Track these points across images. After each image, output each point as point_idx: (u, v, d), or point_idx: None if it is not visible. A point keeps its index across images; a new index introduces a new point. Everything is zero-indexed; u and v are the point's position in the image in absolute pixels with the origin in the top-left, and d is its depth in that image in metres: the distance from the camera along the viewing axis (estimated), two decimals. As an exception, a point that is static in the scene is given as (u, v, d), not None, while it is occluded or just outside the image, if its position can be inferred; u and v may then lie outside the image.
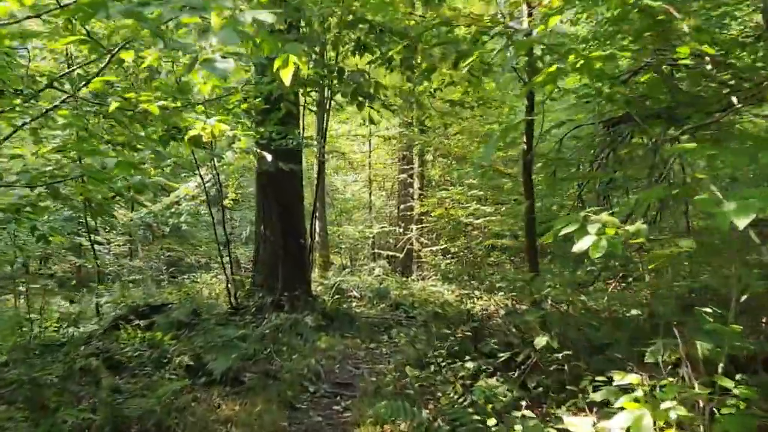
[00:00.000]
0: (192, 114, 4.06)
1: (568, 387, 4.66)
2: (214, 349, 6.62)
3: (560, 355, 4.93)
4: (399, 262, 16.40)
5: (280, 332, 8.40)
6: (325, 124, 9.69)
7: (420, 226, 16.82)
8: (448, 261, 16.18)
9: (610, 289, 12.20)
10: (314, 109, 14.16)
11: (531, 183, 6.15)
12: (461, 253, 15.80)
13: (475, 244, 16.04)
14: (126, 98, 3.97)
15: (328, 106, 8.59)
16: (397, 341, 9.59)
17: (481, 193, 15.05)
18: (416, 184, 17.46)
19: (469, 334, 6.39)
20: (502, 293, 8.47)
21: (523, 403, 5.29)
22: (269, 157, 4.15)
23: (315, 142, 9.36)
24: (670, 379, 3.29)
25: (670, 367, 3.57)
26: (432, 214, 16.24)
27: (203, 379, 6.23)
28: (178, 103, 5.20)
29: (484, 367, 5.74)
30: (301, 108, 9.87)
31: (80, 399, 5.66)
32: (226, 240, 9.76)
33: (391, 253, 16.27)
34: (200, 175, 9.30)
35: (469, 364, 5.76)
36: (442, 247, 16.08)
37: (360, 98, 6.36)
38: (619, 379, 3.23)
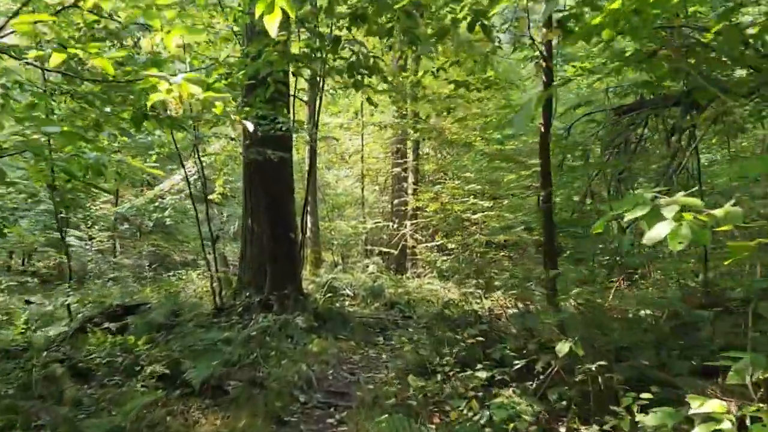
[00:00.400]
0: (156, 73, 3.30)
1: (611, 408, 3.94)
2: (194, 355, 5.87)
3: (593, 366, 4.21)
4: (393, 259, 15.67)
5: (268, 335, 7.66)
6: (317, 105, 8.90)
7: (415, 221, 16.09)
8: (444, 258, 15.48)
9: (614, 288, 11.53)
10: (305, 99, 13.42)
11: (549, 169, 5.43)
12: (459, 250, 15.09)
13: (474, 240, 15.34)
14: (65, 47, 3.20)
15: (321, 84, 7.83)
16: (395, 343, 8.88)
17: (479, 187, 14.36)
18: (411, 179, 16.72)
19: (481, 339, 5.66)
20: (514, 292, 7.75)
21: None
22: (250, 126, 3.38)
23: (306, 128, 8.57)
24: (761, 405, 2.57)
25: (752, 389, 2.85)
26: (427, 209, 15.54)
27: (180, 390, 5.47)
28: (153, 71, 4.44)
29: (498, 377, 5.01)
30: (292, 92, 9.12)
31: (38, 414, 4.89)
32: (211, 235, 8.99)
33: (385, 250, 15.52)
34: (182, 165, 8.53)
35: (481, 374, 5.03)
36: (438, 243, 15.36)
37: (357, 75, 5.63)
38: (698, 405, 2.50)
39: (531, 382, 5.09)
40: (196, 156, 8.67)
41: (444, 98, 7.40)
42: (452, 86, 6.87)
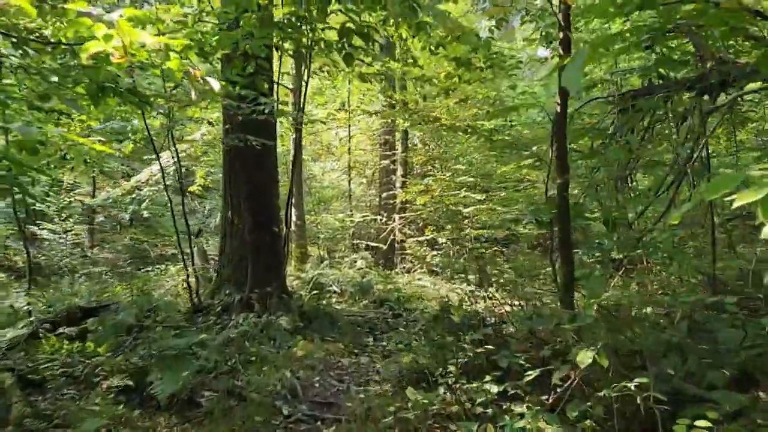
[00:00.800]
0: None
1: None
2: (163, 363, 5.12)
3: (632, 384, 3.53)
4: (381, 254, 14.97)
5: (248, 337, 6.93)
6: (303, 88, 8.13)
7: (404, 215, 15.39)
8: (435, 253, 14.80)
9: (612, 283, 10.86)
10: (290, 86, 12.64)
11: (566, 153, 4.74)
12: (449, 244, 14.42)
13: (465, 235, 14.66)
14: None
15: (308, 58, 7.06)
16: (387, 344, 8.19)
17: (471, 179, 13.69)
18: (399, 171, 16.02)
19: (492, 348, 4.96)
20: (519, 289, 7.07)
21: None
22: (215, 85, 2.64)
23: (291, 113, 7.79)
24: None
25: None
26: (416, 203, 14.85)
27: (145, 405, 4.73)
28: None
29: (511, 391, 4.32)
30: (276, 79, 8.36)
31: (-25, 436, 4.15)
32: (187, 228, 8.22)
33: (373, 244, 14.81)
34: (156, 153, 7.74)
35: (491, 386, 4.34)
36: (428, 237, 14.68)
37: (348, 46, 4.90)
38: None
39: (546, 396, 4.41)
40: (171, 143, 7.88)
41: (443, 78, 6.70)
42: (451, 66, 6.15)
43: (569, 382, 4.28)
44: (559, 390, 4.33)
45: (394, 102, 14.19)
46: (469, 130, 6.01)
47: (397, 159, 15.97)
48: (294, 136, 8.45)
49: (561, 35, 4.57)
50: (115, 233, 19.00)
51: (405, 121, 13.54)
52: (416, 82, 7.26)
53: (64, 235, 14.34)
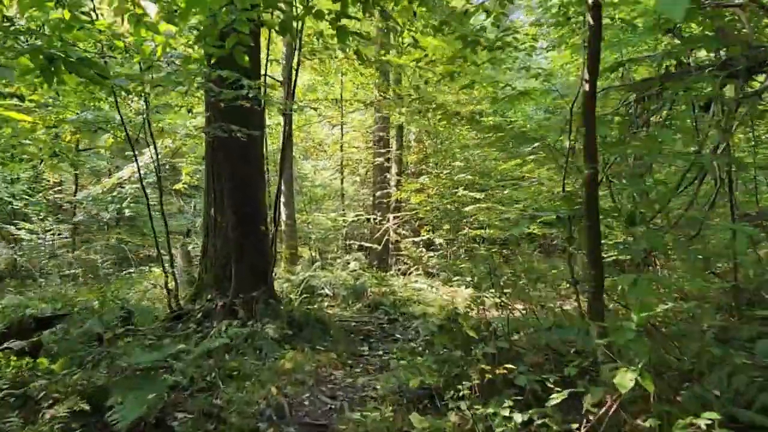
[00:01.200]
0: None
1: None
2: (127, 382, 4.36)
3: (702, 422, 2.83)
4: (375, 255, 14.22)
5: (230, 348, 6.18)
6: (293, 72, 7.39)
7: (398, 214, 14.67)
8: (431, 254, 14.09)
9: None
10: (280, 78, 11.90)
11: (594, 139, 4.04)
12: (449, 244, 13.72)
13: (464, 234, 13.95)
14: None
15: (299, 30, 6.31)
16: (382, 353, 7.48)
17: (470, 177, 13.01)
18: (394, 169, 15.30)
19: (510, 367, 4.23)
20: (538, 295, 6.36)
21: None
22: (151, 7, 1.89)
23: (280, 101, 7.03)
24: None
25: None
26: (412, 201, 14.14)
27: (104, 433, 3.98)
28: None
29: (538, 420, 3.60)
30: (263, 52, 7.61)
31: None
32: (165, 228, 7.46)
33: (367, 245, 14.07)
34: (131, 144, 6.98)
35: (514, 413, 3.62)
36: (424, 238, 13.97)
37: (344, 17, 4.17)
38: None
39: (577, 425, 3.69)
40: (148, 134, 7.11)
41: (447, 59, 5.98)
42: (455, 45, 5.44)
43: (605, 408, 3.57)
44: (592, 418, 3.62)
45: (388, 96, 13.49)
46: (476, 118, 5.34)
47: (392, 156, 15.25)
48: (283, 126, 7.70)
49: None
50: (99, 233, 18.16)
51: (400, 115, 12.84)
52: (416, 66, 6.53)
53: (43, 236, 13.53)
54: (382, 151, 15.41)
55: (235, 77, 5.47)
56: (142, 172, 12.53)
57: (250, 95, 5.87)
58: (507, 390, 4.35)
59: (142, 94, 6.05)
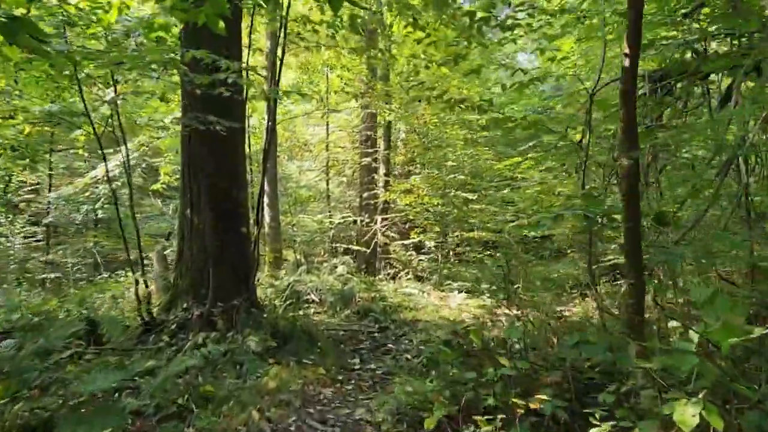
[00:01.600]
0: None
1: None
2: (78, 414, 3.61)
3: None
4: (362, 258, 13.48)
5: (206, 365, 5.44)
6: (280, 41, 6.64)
7: (387, 216, 13.96)
8: (422, 257, 13.40)
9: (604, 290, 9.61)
10: (263, 72, 11.15)
11: (635, 125, 3.37)
12: (441, 247, 13.05)
13: (458, 237, 13.28)
14: None
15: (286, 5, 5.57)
16: (374, 366, 6.77)
17: (463, 177, 12.35)
18: (382, 170, 14.59)
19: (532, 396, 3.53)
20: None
21: None
22: None
23: (263, 85, 6.26)
24: None
25: None
26: (400, 203, 13.44)
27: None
28: None
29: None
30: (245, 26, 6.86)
31: None
32: (136, 230, 6.69)
33: (355, 248, 13.34)
34: (97, 136, 6.20)
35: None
36: (414, 240, 13.28)
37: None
38: None
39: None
40: (117, 126, 6.34)
41: (451, 42, 5.32)
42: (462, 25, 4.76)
43: (659, 447, 2.90)
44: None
45: (377, 91, 12.80)
46: (484, 107, 4.68)
47: (380, 156, 14.54)
48: (267, 116, 6.95)
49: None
50: (77, 236, 17.22)
51: (390, 111, 12.15)
52: (416, 45, 5.85)
53: (13, 238, 12.62)
54: (370, 150, 14.70)
55: (212, 58, 4.74)
56: (116, 171, 11.82)
57: (229, 80, 5.14)
58: (526, 417, 3.67)
59: (111, 82, 5.30)
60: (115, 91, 5.85)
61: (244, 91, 6.60)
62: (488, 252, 12.87)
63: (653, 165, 6.38)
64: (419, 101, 5.10)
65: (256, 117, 13.27)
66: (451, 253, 13.61)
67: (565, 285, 9.67)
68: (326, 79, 15.14)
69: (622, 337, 3.65)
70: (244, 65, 5.48)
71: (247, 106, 6.88)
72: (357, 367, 6.64)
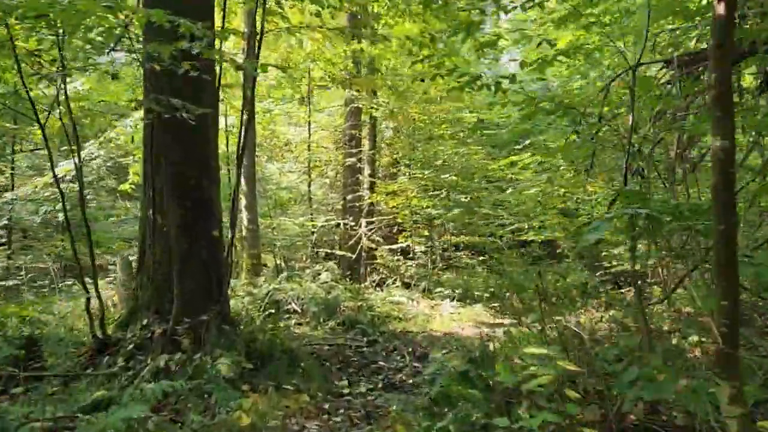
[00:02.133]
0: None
1: None
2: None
3: None
4: (346, 264, 12.50)
5: (167, 396, 4.43)
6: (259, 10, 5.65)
7: (372, 219, 13.01)
8: (410, 263, 12.46)
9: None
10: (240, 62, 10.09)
11: (731, 93, 2.48)
12: (430, 252, 12.12)
13: (448, 241, 12.36)
14: None
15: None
16: (365, 390, 5.83)
17: (455, 178, 11.45)
18: (367, 170, 13.65)
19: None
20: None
21: None
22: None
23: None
24: None
25: None
26: (387, 205, 12.52)
27: None
28: None
29: None
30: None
31: None
32: (88, 234, 5.65)
33: (340, 253, 12.36)
34: (40, 125, 5.17)
35: None
36: (402, 245, 12.34)
37: None
38: None
39: None
40: (64, 108, 5.31)
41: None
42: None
43: None
44: None
45: (364, 82, 11.88)
46: (498, 84, 3.80)
47: (364, 157, 13.59)
48: (244, 95, 5.93)
49: None
50: (47, 240, 15.96)
51: (377, 107, 11.22)
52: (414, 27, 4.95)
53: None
54: (354, 150, 13.75)
55: (171, 20, 3.76)
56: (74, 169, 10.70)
57: (194, 50, 4.17)
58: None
59: (60, 63, 4.29)
60: (63, 66, 4.83)
61: (218, 71, 5.62)
62: (481, 257, 11.98)
63: (684, 155, 5.52)
64: (422, 80, 4.32)
65: (232, 114, 12.26)
66: (439, 258, 12.70)
67: (572, 293, 8.81)
68: (308, 77, 14.18)
69: (704, 375, 2.75)
70: (217, 30, 4.47)
71: (219, 89, 5.87)
72: (346, 391, 5.67)
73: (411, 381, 6.30)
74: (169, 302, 5.56)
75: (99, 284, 11.03)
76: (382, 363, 7.11)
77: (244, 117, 5.80)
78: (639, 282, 4.26)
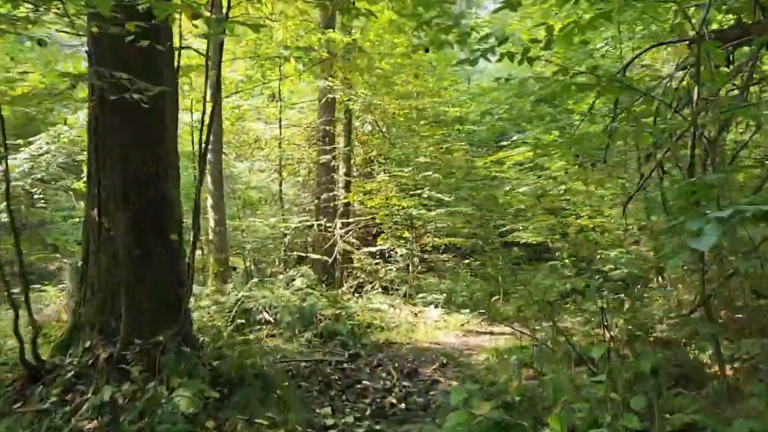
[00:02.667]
0: None
1: None
2: None
3: None
4: (320, 268, 11.53)
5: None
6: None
7: (349, 220, 12.09)
8: (390, 267, 11.57)
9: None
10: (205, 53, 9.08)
11: None
12: (410, 256, 11.23)
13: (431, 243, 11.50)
14: None
15: None
16: (350, 419, 4.94)
17: (436, 175, 10.61)
18: (342, 169, 12.72)
19: None
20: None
21: None
22: None
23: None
24: None
25: None
26: (366, 205, 11.63)
27: None
28: None
29: None
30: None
31: None
32: (15, 239, 4.61)
33: (314, 256, 11.40)
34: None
35: None
36: (381, 248, 11.46)
37: None
38: None
39: None
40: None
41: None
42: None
43: None
44: None
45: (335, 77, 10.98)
46: (528, 51, 3.03)
47: (339, 154, 12.66)
48: (206, 63, 4.94)
49: None
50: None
51: (354, 98, 10.33)
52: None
53: None
54: (328, 148, 12.80)
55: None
56: (26, 165, 9.57)
57: (141, 4, 3.22)
58: None
59: None
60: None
61: (177, 42, 4.66)
62: (465, 260, 11.18)
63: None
64: (426, 50, 3.61)
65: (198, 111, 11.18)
66: (419, 261, 11.84)
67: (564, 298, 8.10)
68: (279, 72, 13.19)
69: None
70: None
71: (179, 62, 4.88)
72: (330, 422, 4.77)
73: (403, 405, 5.43)
74: (117, 320, 4.57)
75: (51, 294, 9.87)
76: (366, 382, 6.21)
77: (209, 95, 4.83)
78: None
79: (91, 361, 4.38)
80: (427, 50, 3.81)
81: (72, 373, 4.37)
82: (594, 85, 3.16)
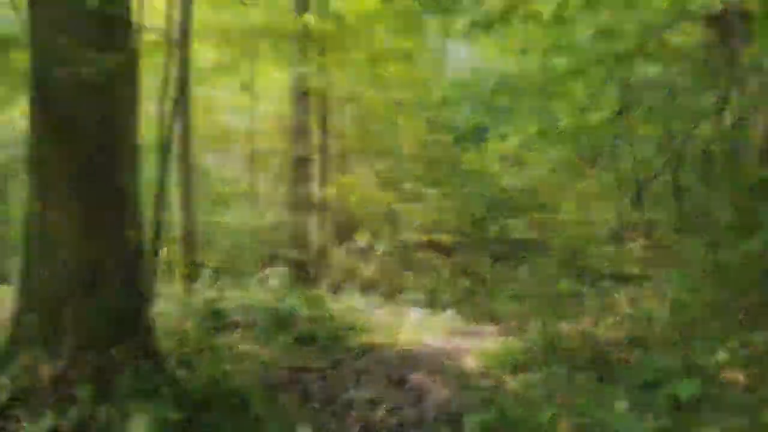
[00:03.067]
0: None
1: None
2: None
3: None
4: (297, 267, 10.86)
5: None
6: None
7: (326, 215, 11.45)
8: (369, 265, 10.97)
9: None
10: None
11: None
12: (391, 253, 10.65)
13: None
14: None
15: None
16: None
17: (418, 167, 10.06)
18: (318, 162, 12.08)
19: None
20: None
21: None
22: None
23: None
24: None
25: None
26: (344, 200, 11.02)
27: None
28: None
29: None
30: None
31: None
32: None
33: (290, 254, 10.74)
34: None
35: None
36: (361, 245, 10.86)
37: None
38: None
39: None
40: None
41: None
42: None
43: None
44: None
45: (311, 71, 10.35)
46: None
47: (315, 146, 12.01)
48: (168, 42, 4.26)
49: None
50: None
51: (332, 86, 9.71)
52: None
53: None
54: (303, 140, 12.13)
55: None
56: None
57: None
58: None
59: None
60: None
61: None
62: (449, 257, 10.64)
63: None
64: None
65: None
66: (401, 258, 11.27)
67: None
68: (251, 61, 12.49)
69: None
70: None
71: (138, 29, 4.18)
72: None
73: (395, 421, 4.83)
74: (63, 332, 3.87)
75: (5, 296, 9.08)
76: (352, 392, 5.59)
77: (173, 72, 4.15)
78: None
79: (29, 384, 3.67)
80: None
81: (9, 395, 3.65)
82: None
